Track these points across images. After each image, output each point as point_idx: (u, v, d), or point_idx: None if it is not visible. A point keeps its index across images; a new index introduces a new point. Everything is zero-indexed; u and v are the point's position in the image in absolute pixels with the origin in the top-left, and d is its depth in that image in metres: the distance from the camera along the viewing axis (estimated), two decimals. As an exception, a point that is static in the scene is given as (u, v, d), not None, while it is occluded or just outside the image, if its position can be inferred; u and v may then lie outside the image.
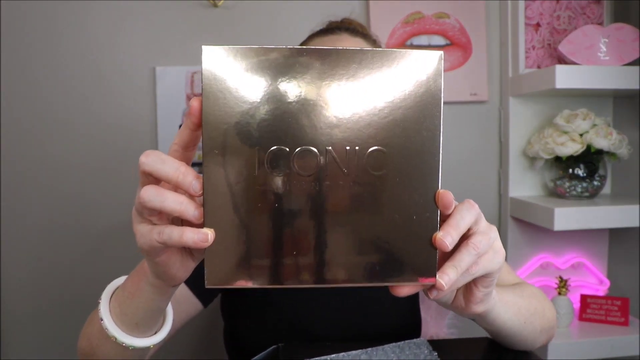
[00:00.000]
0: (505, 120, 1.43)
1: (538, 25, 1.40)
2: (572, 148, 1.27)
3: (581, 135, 1.29)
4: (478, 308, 0.53)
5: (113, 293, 0.59)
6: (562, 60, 1.31)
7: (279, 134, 0.42)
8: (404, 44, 1.40)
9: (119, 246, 1.37)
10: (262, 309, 0.84)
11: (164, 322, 0.60)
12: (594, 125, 1.30)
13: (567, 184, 1.33)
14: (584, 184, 1.32)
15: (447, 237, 0.45)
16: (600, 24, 1.40)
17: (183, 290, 0.79)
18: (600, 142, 1.26)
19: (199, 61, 1.34)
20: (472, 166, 1.48)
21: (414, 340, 0.71)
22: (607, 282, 1.46)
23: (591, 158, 1.32)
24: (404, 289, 0.46)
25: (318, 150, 0.43)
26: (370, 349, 0.68)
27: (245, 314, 0.85)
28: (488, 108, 1.47)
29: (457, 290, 0.54)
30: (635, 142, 1.37)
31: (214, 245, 0.43)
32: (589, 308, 1.38)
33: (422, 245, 0.45)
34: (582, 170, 1.33)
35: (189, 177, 0.43)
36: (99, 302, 0.57)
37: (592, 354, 1.26)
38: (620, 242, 1.45)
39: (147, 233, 0.45)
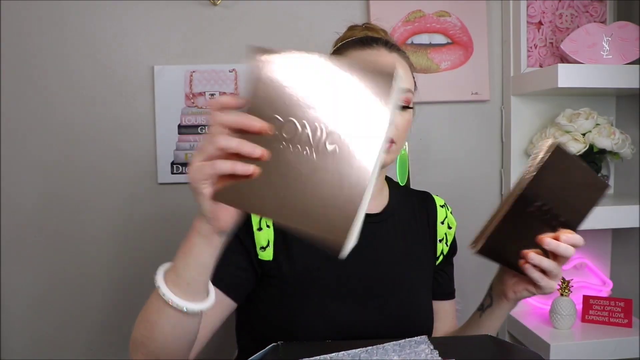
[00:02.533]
0: (507, 119, 1.42)
1: (540, 23, 1.39)
2: (574, 148, 1.26)
3: (584, 134, 1.28)
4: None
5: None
6: (564, 59, 1.30)
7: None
8: (404, 43, 1.39)
9: (119, 244, 1.36)
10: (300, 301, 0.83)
11: (208, 294, 0.68)
12: (597, 124, 1.29)
13: (570, 184, 1.32)
14: (587, 184, 1.31)
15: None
16: (603, 22, 1.39)
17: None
18: (603, 142, 1.25)
19: (197, 60, 1.35)
20: (473, 166, 1.47)
21: (415, 338, 0.69)
22: (610, 283, 1.44)
23: (594, 158, 1.31)
24: None
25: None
26: (370, 347, 0.67)
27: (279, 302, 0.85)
28: (489, 107, 1.46)
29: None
30: (638, 142, 1.36)
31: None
32: (591, 309, 1.36)
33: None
34: (584, 170, 1.32)
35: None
36: (156, 277, 0.65)
37: (594, 355, 1.25)
38: (623, 242, 1.44)
39: (201, 167, 0.55)
